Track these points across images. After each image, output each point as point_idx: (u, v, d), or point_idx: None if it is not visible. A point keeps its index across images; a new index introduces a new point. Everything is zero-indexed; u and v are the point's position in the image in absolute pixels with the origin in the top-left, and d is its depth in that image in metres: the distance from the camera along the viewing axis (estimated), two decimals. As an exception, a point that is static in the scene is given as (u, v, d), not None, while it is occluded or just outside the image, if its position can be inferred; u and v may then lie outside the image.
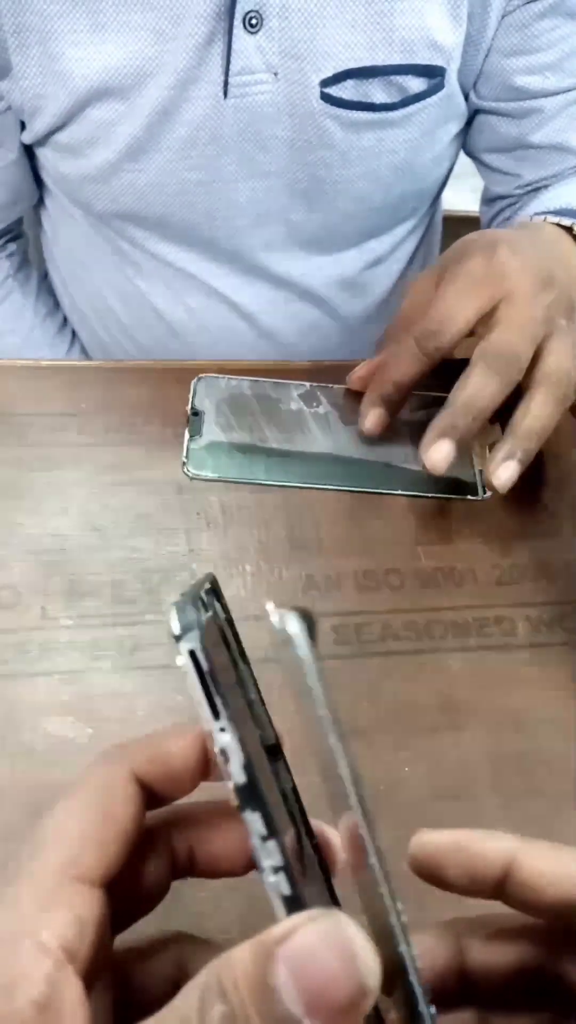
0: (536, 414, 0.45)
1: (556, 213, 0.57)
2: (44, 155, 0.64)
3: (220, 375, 0.52)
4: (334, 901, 0.22)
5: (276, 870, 0.18)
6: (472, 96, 0.64)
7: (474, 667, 0.42)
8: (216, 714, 0.18)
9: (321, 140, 0.59)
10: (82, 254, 0.71)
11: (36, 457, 0.47)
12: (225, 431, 0.50)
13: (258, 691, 0.21)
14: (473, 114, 0.67)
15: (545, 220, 0.56)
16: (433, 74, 0.59)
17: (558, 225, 0.55)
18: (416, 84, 0.58)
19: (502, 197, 0.72)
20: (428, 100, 0.60)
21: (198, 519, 0.46)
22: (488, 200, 0.74)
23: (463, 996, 0.23)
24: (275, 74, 0.56)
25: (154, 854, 0.23)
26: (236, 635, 0.21)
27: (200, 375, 0.52)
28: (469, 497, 0.49)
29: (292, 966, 0.16)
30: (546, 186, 0.67)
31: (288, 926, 0.17)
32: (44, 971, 0.18)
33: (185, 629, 0.19)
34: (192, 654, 0.19)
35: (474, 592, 0.45)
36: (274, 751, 0.20)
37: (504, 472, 0.44)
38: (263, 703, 0.21)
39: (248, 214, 0.63)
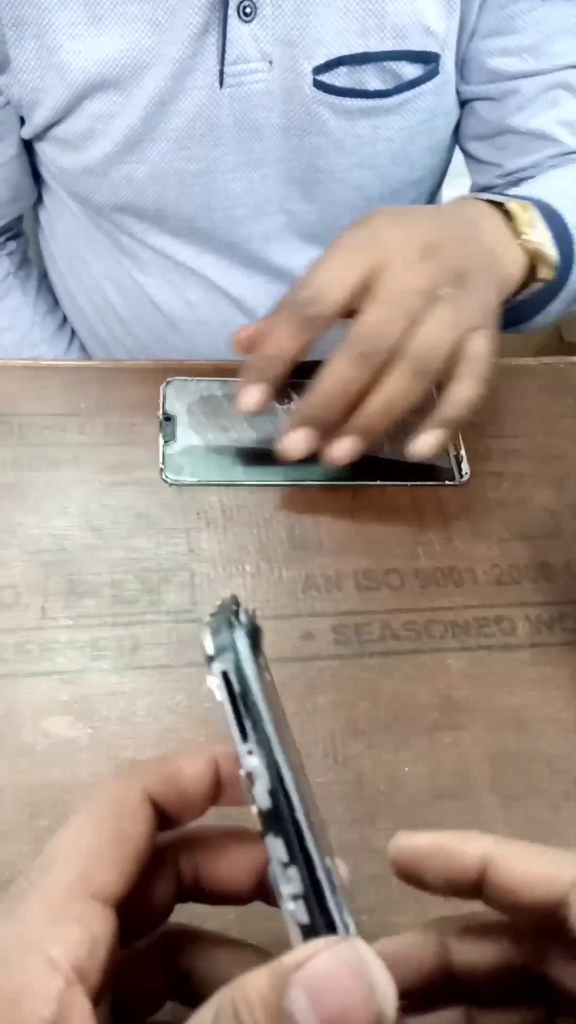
0: (386, 391, 0.42)
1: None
2: (43, 149, 0.64)
3: (190, 378, 0.52)
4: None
5: (295, 898, 0.18)
6: (458, 82, 0.64)
7: (474, 667, 0.42)
8: (245, 736, 0.18)
9: (315, 127, 0.59)
10: (81, 249, 0.71)
11: (36, 457, 0.47)
12: (199, 434, 0.49)
13: (295, 746, 0.21)
14: (462, 103, 0.67)
15: (475, 197, 0.53)
16: (427, 60, 0.59)
17: (489, 202, 0.52)
18: (410, 70, 0.59)
19: (486, 189, 0.70)
20: (423, 87, 0.60)
21: (198, 519, 0.46)
22: (474, 192, 0.73)
23: (450, 994, 0.24)
24: (270, 62, 0.56)
25: (161, 874, 0.23)
26: (272, 681, 0.21)
27: (169, 379, 0.51)
28: (447, 483, 0.49)
29: (310, 992, 0.16)
30: (528, 177, 0.66)
31: (306, 952, 0.17)
32: (54, 990, 0.18)
33: (219, 650, 0.19)
34: (225, 675, 0.19)
35: (474, 592, 0.45)
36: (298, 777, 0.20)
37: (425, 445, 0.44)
38: (288, 728, 0.21)
39: (246, 204, 0.63)
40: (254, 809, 0.19)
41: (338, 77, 0.57)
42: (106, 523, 0.45)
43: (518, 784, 0.38)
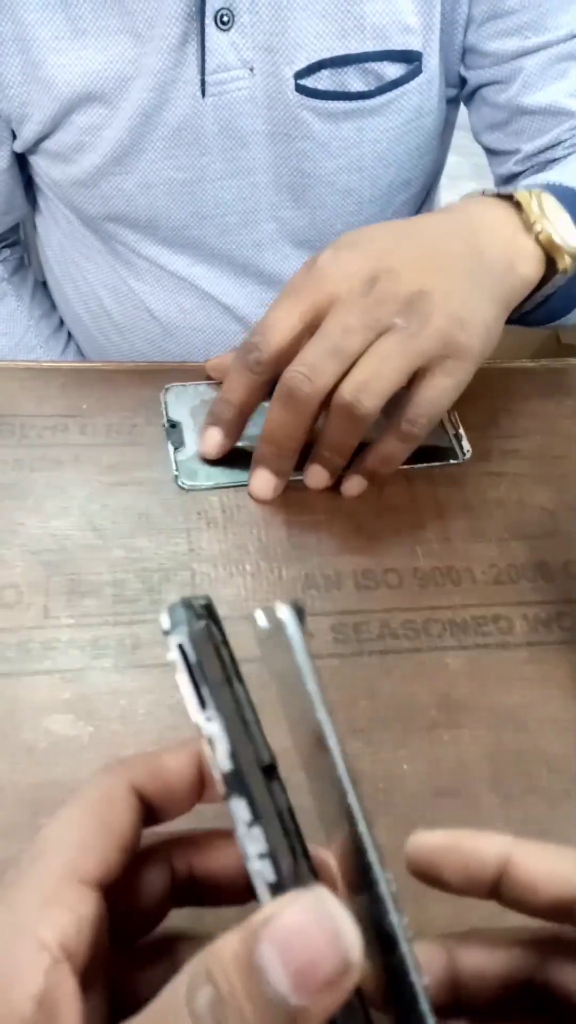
0: (325, 438, 0.44)
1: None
2: (36, 162, 0.65)
3: (187, 383, 0.52)
4: None
5: (261, 856, 0.18)
6: (463, 71, 0.64)
7: (472, 666, 0.42)
8: (203, 704, 0.19)
9: (300, 132, 0.59)
10: (76, 256, 0.72)
11: (37, 457, 0.48)
12: None
13: (254, 712, 0.21)
14: (471, 94, 0.66)
15: (483, 193, 0.51)
16: (410, 59, 0.59)
17: (498, 196, 0.49)
18: (393, 70, 0.58)
19: (510, 179, 0.69)
20: (407, 86, 0.59)
21: (198, 519, 0.46)
22: (498, 184, 0.71)
23: (456, 1008, 0.24)
24: (251, 69, 0.57)
25: (154, 871, 0.24)
26: (232, 656, 0.21)
27: (167, 385, 0.52)
28: (451, 462, 0.50)
29: (277, 945, 0.16)
30: (554, 159, 0.64)
31: (273, 907, 0.17)
32: (42, 967, 0.19)
33: (175, 623, 0.19)
34: (180, 648, 0.19)
35: (472, 591, 0.45)
36: (269, 771, 0.20)
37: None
38: (259, 724, 0.21)
39: (236, 212, 0.64)
40: (217, 774, 0.19)
41: (320, 80, 0.57)
42: (107, 523, 0.45)
43: (516, 782, 0.39)
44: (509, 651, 0.43)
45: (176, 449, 0.49)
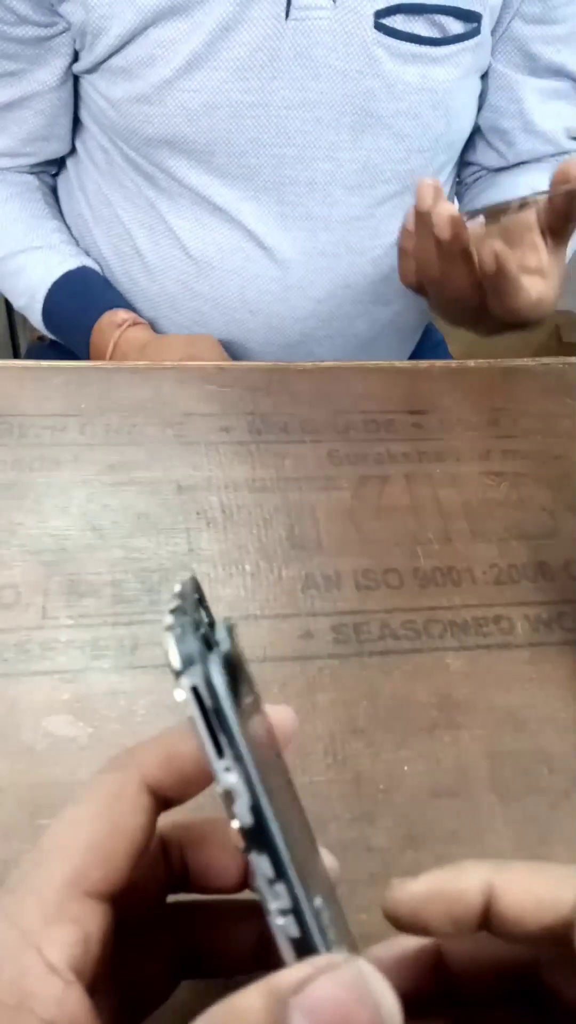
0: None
1: None
2: (93, 83, 0.65)
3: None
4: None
5: (284, 912, 0.17)
6: (493, 63, 0.69)
7: (473, 666, 0.42)
8: (220, 753, 0.17)
9: (371, 69, 0.62)
10: (111, 195, 0.72)
11: (36, 457, 0.48)
12: None
13: (275, 741, 0.20)
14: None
15: None
16: (471, 19, 0.63)
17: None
18: (456, 26, 0.62)
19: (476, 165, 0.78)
20: (466, 43, 0.64)
21: (198, 519, 0.46)
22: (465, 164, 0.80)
23: (444, 1002, 0.23)
24: (334, 1, 0.59)
25: (151, 864, 0.23)
26: (249, 679, 0.20)
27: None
28: None
29: (310, 1014, 0.15)
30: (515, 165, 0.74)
31: (303, 973, 0.16)
32: (54, 993, 0.18)
33: (186, 662, 0.17)
34: (195, 690, 0.17)
35: (473, 591, 0.45)
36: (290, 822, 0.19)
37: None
38: (280, 753, 0.20)
39: (295, 144, 0.65)
40: (235, 824, 0.18)
41: (395, 23, 0.61)
42: (106, 523, 0.45)
43: (517, 783, 0.38)
44: (510, 652, 0.43)
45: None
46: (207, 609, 0.20)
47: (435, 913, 0.21)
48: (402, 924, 0.22)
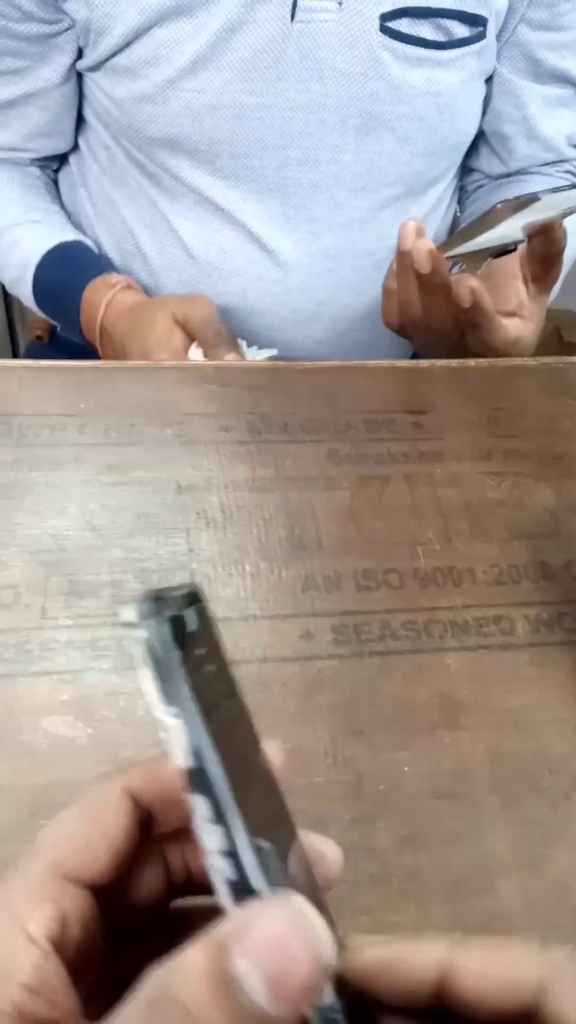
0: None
1: None
2: (96, 81, 0.65)
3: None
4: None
5: (224, 854, 0.18)
6: (498, 68, 0.69)
7: (473, 666, 0.42)
8: (168, 699, 0.19)
9: (376, 72, 0.62)
10: (114, 193, 0.72)
11: (36, 457, 0.48)
12: None
13: (238, 707, 0.21)
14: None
15: None
16: (476, 23, 0.63)
17: None
18: (461, 30, 0.63)
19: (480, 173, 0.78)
20: (471, 47, 0.64)
21: (198, 519, 0.46)
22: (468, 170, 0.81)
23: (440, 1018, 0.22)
24: (339, 3, 0.59)
25: (148, 867, 0.24)
26: (218, 648, 0.21)
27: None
28: None
29: (255, 955, 0.16)
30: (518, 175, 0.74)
31: (240, 919, 0.17)
32: (32, 959, 0.20)
33: (142, 616, 0.19)
34: (146, 642, 0.19)
35: (473, 592, 0.45)
36: (238, 765, 0.20)
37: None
38: (241, 720, 0.21)
39: (299, 146, 0.65)
40: (176, 766, 0.19)
41: (401, 26, 0.61)
42: (106, 523, 0.45)
43: (517, 783, 0.38)
44: (510, 652, 0.43)
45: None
46: (207, 614, 0.21)
47: (386, 984, 0.21)
48: (351, 989, 0.21)
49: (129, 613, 0.19)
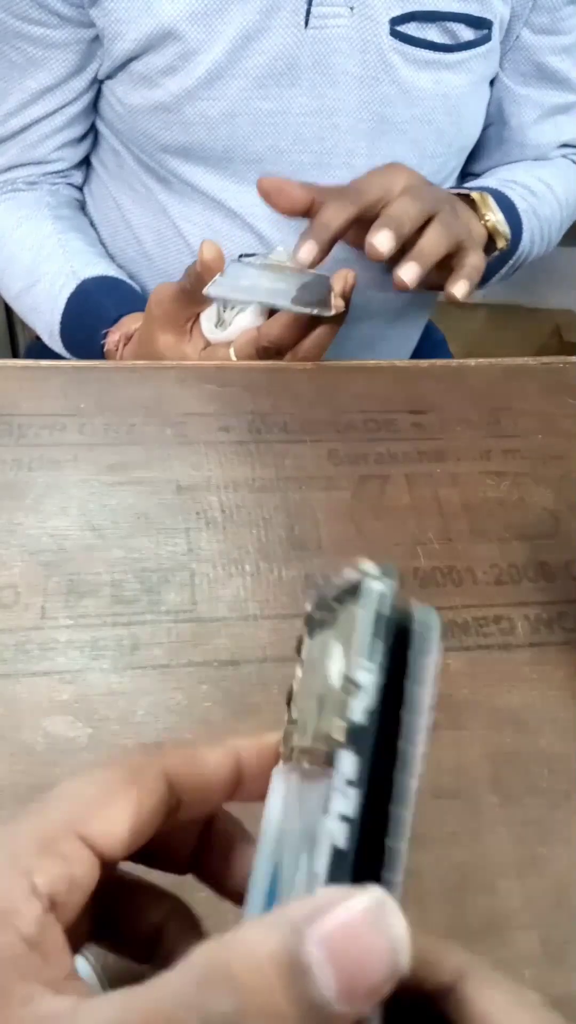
0: (430, 242, 0.55)
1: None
2: (112, 88, 0.65)
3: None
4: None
5: (343, 818, 0.18)
6: (500, 73, 0.70)
7: (473, 666, 0.42)
8: (371, 654, 0.19)
9: (387, 75, 0.63)
10: (121, 199, 0.72)
11: (36, 457, 0.48)
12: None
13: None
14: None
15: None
16: (481, 26, 0.64)
17: (457, 195, 0.63)
18: (467, 33, 0.64)
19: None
20: (477, 49, 0.65)
21: (198, 519, 0.46)
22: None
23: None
24: (351, 8, 0.60)
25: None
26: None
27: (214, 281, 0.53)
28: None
29: (331, 946, 0.15)
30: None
31: (318, 903, 0.16)
32: (35, 912, 0.18)
33: (386, 573, 0.19)
34: (380, 595, 0.19)
35: (473, 592, 0.45)
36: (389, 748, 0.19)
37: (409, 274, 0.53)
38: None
39: (313, 151, 0.66)
40: (341, 723, 0.19)
41: (409, 30, 0.62)
42: (106, 523, 0.45)
43: (517, 783, 0.38)
44: (510, 652, 0.43)
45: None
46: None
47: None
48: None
49: (371, 566, 0.19)
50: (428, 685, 0.19)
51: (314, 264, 0.54)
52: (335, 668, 0.20)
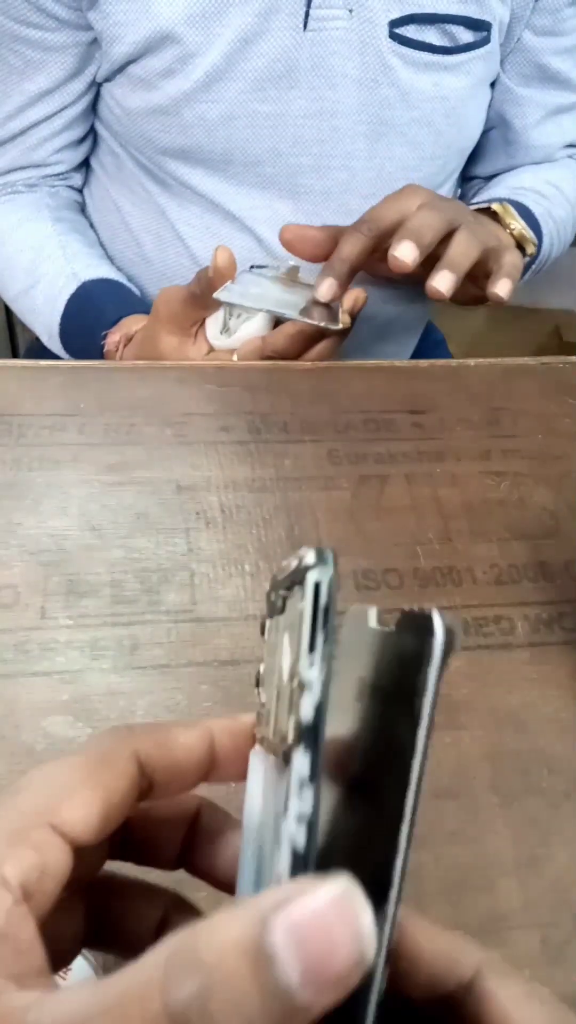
0: (460, 250, 0.55)
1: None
2: (110, 91, 0.65)
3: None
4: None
5: (300, 819, 0.18)
6: (501, 75, 0.70)
7: (473, 666, 0.42)
8: (312, 648, 0.19)
9: (386, 78, 0.63)
10: (120, 201, 0.72)
11: (36, 457, 0.48)
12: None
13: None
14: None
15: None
16: (480, 28, 0.64)
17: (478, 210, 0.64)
18: (466, 35, 0.64)
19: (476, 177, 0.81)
20: (476, 51, 0.65)
21: (197, 519, 0.46)
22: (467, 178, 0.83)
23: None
24: (350, 11, 0.60)
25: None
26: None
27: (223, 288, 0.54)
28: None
29: (296, 932, 0.15)
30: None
31: (287, 892, 0.16)
32: (4, 904, 0.18)
33: (321, 560, 0.19)
34: (317, 585, 0.19)
35: (473, 591, 0.45)
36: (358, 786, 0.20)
37: (444, 282, 0.53)
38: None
39: (311, 153, 0.66)
40: (292, 721, 0.19)
41: (408, 32, 0.62)
42: (105, 523, 0.45)
43: (517, 783, 0.38)
44: (510, 652, 0.43)
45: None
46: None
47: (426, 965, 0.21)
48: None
49: (310, 555, 0.19)
50: (430, 695, 0.19)
51: (335, 298, 0.55)
52: (286, 663, 0.20)
